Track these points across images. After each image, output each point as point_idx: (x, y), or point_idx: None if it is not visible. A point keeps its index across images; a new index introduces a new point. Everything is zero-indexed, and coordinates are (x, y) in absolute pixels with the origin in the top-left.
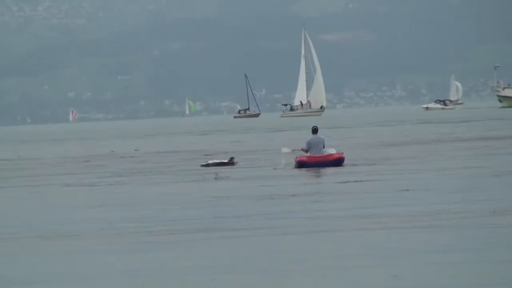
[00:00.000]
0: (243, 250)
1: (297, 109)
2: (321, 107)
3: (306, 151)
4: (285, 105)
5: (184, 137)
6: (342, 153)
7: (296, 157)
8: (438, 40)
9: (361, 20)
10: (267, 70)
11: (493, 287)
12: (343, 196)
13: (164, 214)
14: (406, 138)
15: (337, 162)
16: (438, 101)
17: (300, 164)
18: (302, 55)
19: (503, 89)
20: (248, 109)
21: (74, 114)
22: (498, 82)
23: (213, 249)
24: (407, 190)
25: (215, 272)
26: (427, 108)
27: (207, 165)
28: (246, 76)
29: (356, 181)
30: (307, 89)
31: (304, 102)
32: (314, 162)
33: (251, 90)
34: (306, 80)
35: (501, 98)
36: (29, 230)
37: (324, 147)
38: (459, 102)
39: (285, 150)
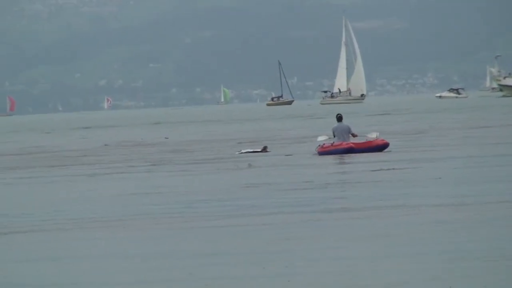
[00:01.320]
0: (270, 239)
1: (337, 96)
2: (362, 95)
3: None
4: (325, 91)
5: (220, 125)
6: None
7: (342, 143)
8: (470, 27)
9: (392, 8)
10: (297, 57)
11: None
12: (375, 184)
13: (202, 204)
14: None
15: (382, 147)
16: (451, 90)
17: (348, 150)
18: (342, 42)
19: (504, 78)
20: (282, 96)
21: (108, 102)
22: (499, 72)
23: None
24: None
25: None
26: (440, 96)
27: (240, 153)
28: (279, 64)
29: (389, 169)
30: (347, 76)
31: (343, 89)
32: (360, 149)
33: (285, 77)
34: (346, 68)
35: (502, 87)
36: (61, 218)
37: (349, 134)
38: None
39: (320, 138)
